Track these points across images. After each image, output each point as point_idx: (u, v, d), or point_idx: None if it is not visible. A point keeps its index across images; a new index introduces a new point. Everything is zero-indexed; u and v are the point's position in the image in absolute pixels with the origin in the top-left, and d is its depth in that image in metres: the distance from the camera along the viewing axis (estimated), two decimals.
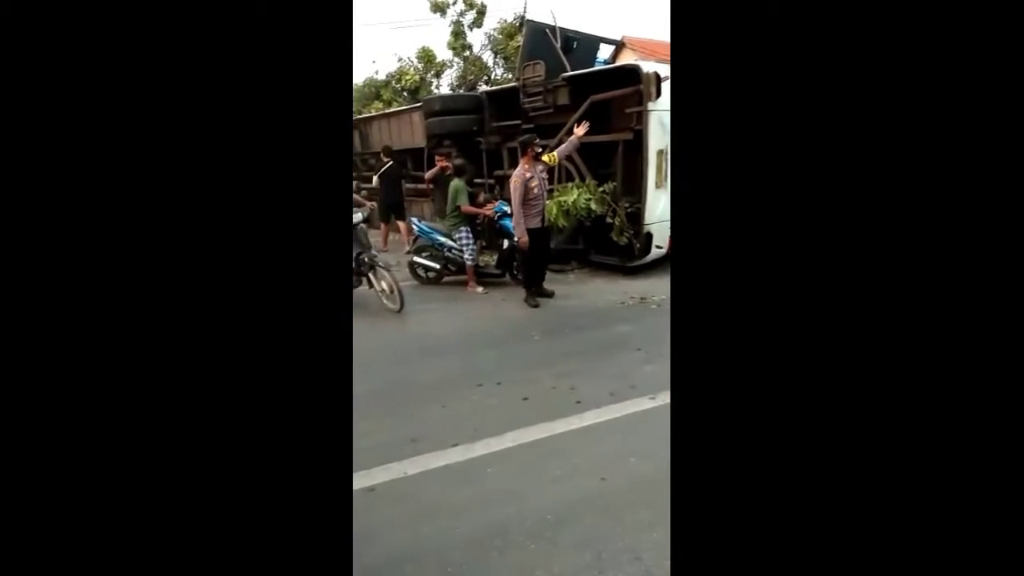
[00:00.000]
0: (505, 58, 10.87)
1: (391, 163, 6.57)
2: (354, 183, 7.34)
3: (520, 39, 7.85)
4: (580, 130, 4.21)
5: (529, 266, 4.32)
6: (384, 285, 4.07)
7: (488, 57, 11.39)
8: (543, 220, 4.18)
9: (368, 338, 3.65)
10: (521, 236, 4.05)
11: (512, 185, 4.01)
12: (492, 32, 11.18)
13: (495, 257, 4.96)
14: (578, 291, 4.63)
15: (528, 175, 4.01)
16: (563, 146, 4.31)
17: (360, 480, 1.90)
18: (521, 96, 5.49)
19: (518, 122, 5.57)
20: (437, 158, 5.30)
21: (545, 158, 4.17)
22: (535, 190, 4.02)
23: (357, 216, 4.05)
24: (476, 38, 11.71)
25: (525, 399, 2.53)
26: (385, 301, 4.09)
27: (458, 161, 4.67)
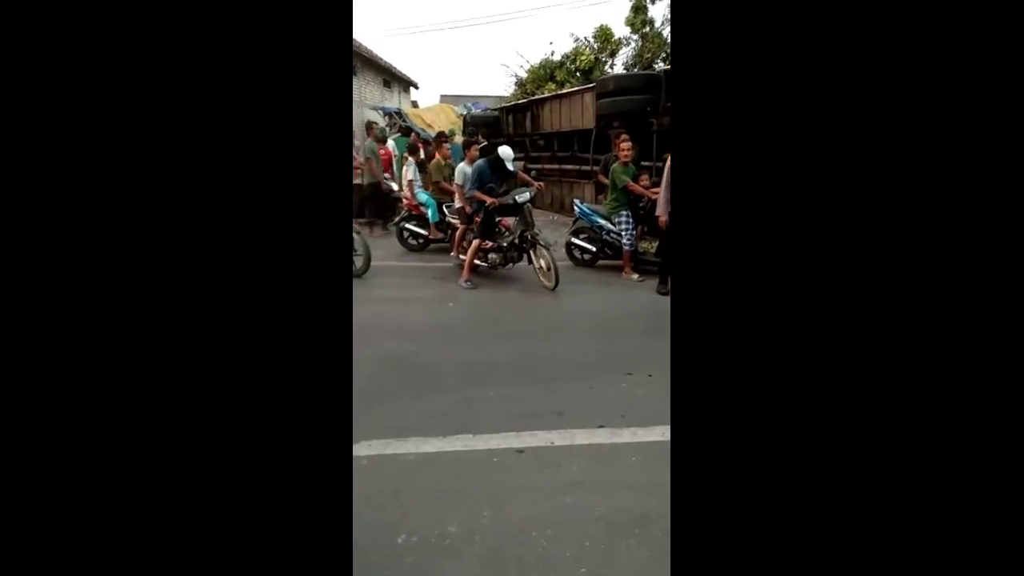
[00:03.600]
0: None
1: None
2: (521, 163, 7.67)
3: None
4: None
5: (667, 250, 4.15)
6: (542, 263, 4.21)
7: (669, 32, 10.69)
8: None
9: (523, 311, 3.85)
10: (662, 214, 3.90)
11: (667, 165, 3.89)
12: None
13: (655, 244, 4.75)
14: None
15: None
16: None
17: (510, 440, 2.04)
18: None
19: None
20: (614, 140, 5.21)
21: None
22: None
23: (525, 195, 4.23)
24: (658, 11, 11.06)
25: None
26: (541, 278, 4.24)
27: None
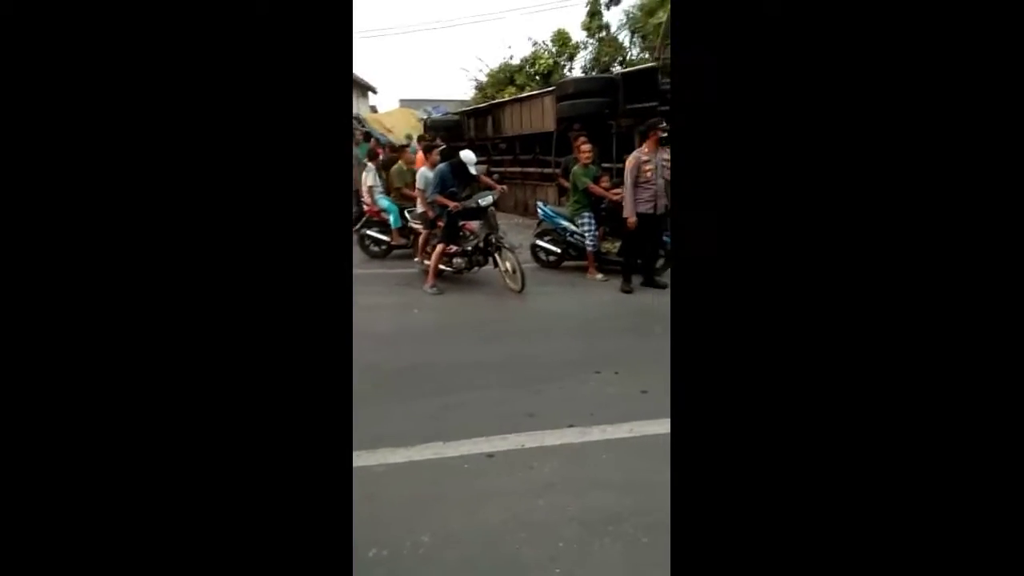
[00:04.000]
0: (643, 37, 10.38)
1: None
2: (484, 167, 7.66)
3: (662, 15, 7.40)
4: None
5: (629, 250, 4.31)
6: (508, 266, 4.21)
7: (624, 37, 10.99)
8: (655, 208, 4.07)
9: (490, 315, 3.83)
10: (629, 215, 4.03)
11: (627, 166, 4.02)
12: (630, 10, 10.73)
13: (617, 244, 4.84)
14: None
15: (645, 159, 3.97)
16: None
17: (480, 445, 2.02)
18: (660, 76, 5.22)
19: (655, 104, 5.31)
20: (574, 142, 5.27)
21: None
22: (648, 174, 3.96)
23: (488, 199, 4.23)
24: (613, 17, 11.34)
25: (644, 392, 2.46)
26: (508, 281, 4.24)
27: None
